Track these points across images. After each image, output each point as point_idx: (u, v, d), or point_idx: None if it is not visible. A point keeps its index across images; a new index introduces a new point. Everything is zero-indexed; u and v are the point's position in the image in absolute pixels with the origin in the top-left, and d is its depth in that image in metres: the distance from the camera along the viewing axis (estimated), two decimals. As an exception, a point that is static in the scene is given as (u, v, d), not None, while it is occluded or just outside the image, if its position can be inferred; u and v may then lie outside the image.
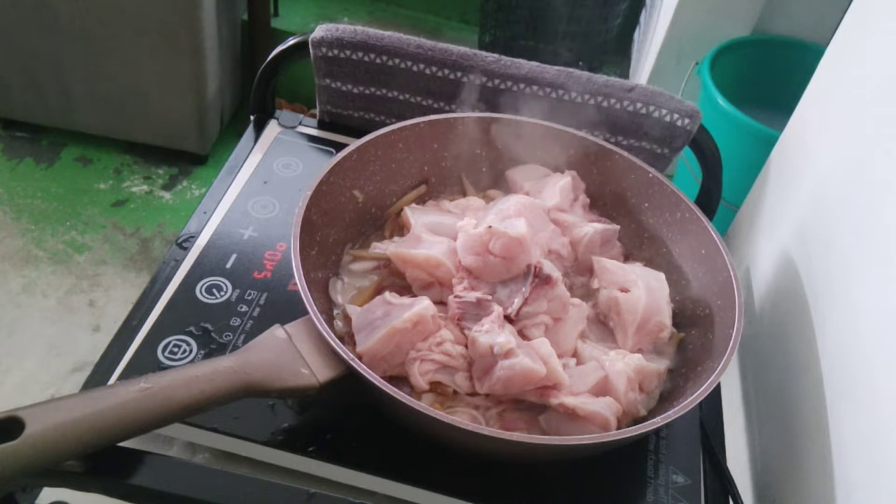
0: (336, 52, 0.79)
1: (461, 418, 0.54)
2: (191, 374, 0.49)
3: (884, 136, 0.63)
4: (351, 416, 0.58)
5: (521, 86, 0.78)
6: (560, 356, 0.60)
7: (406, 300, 0.60)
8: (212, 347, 0.61)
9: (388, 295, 0.60)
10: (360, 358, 0.56)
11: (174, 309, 0.63)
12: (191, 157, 1.85)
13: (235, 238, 0.70)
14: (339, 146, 0.81)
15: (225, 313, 0.63)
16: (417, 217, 0.69)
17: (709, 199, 0.83)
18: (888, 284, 0.56)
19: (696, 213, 0.68)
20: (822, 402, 0.62)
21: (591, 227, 0.69)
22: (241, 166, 0.78)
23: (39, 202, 1.72)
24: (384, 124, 0.73)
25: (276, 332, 0.55)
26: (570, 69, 0.79)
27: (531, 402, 0.59)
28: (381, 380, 0.51)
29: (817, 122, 0.79)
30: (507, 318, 0.61)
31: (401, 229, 0.71)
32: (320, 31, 0.79)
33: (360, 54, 0.79)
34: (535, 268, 0.62)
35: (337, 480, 0.57)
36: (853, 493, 0.54)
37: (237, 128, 1.91)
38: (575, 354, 0.63)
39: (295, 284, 0.55)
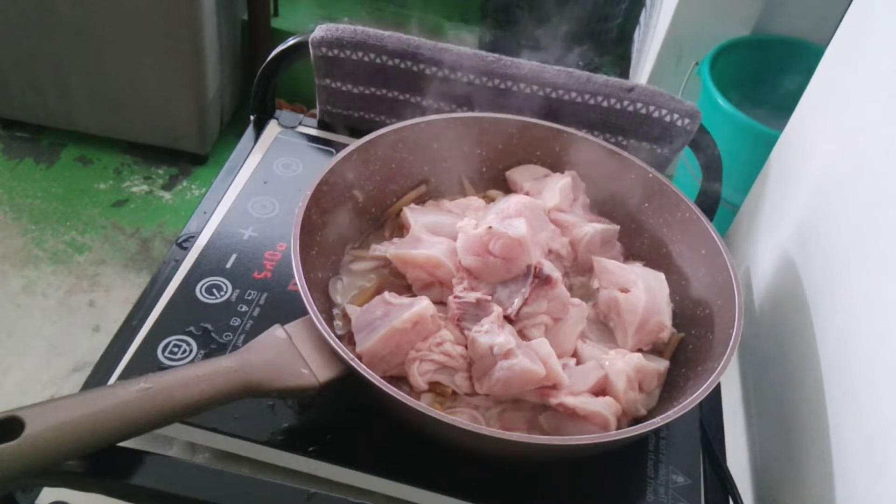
0: (336, 52, 0.79)
1: (461, 418, 0.54)
2: (191, 374, 0.49)
3: (883, 135, 0.63)
4: (351, 416, 0.58)
5: (521, 86, 0.78)
6: (560, 356, 0.60)
7: (406, 300, 0.60)
8: (212, 347, 0.61)
9: (387, 295, 0.60)
10: (359, 358, 0.56)
11: (174, 309, 0.63)
12: (191, 157, 1.85)
13: (235, 238, 0.70)
14: (339, 146, 0.81)
15: (225, 313, 0.63)
16: (417, 217, 0.69)
17: (709, 200, 0.83)
18: (888, 284, 0.56)
19: (696, 213, 0.68)
20: (822, 401, 0.62)
21: (591, 227, 0.69)
22: (241, 166, 0.78)
23: (39, 202, 1.72)
24: (384, 124, 0.73)
25: (276, 332, 0.55)
26: (570, 69, 0.78)
27: (531, 402, 0.59)
28: (381, 380, 0.51)
29: (817, 122, 0.79)
30: (507, 319, 0.61)
31: (401, 229, 0.71)
32: (320, 31, 0.79)
33: (360, 54, 0.79)
34: (535, 268, 0.62)
35: (337, 480, 0.57)
36: (853, 493, 0.54)
37: (237, 128, 1.91)
38: (575, 354, 0.63)
39: (295, 284, 0.55)
